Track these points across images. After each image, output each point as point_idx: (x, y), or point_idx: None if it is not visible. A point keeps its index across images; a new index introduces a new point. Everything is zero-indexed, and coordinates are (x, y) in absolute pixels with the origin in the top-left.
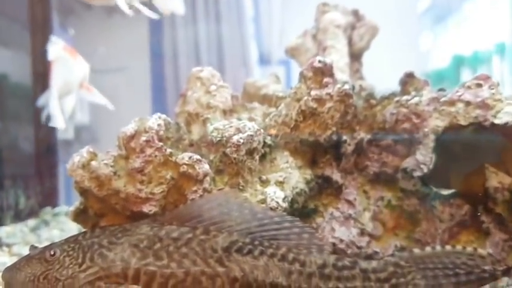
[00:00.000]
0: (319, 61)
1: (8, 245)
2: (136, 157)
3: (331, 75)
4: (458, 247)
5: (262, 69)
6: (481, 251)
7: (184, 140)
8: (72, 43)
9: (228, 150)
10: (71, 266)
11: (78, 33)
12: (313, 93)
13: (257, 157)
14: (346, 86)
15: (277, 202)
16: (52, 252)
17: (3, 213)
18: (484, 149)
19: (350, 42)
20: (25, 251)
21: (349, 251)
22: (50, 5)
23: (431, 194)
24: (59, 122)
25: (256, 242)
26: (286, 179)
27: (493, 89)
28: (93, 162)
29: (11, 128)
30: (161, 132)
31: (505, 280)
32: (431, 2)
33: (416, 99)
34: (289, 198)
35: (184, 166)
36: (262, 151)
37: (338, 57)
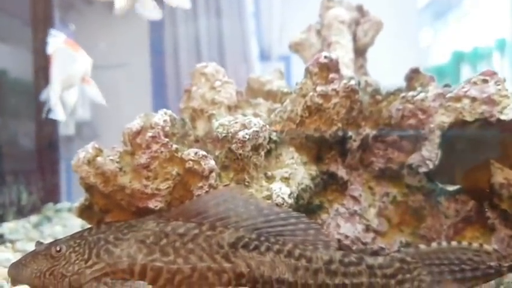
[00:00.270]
0: (325, 57)
1: (11, 241)
2: (142, 153)
3: (337, 70)
4: (464, 243)
5: (262, 65)
6: (486, 246)
7: (189, 135)
8: (72, 38)
9: (233, 146)
10: (77, 262)
11: (79, 29)
12: (319, 88)
13: (262, 153)
14: (352, 82)
15: (283, 198)
16: (58, 248)
17: (6, 209)
18: (489, 144)
19: (354, 38)
20: (28, 247)
21: (354, 247)
22: (51, 1)
23: (437, 190)
24: (59, 114)
25: (263, 238)
26: (291, 175)
27: (499, 84)
28: (99, 158)
29: (12, 123)
30: (167, 128)
31: (510, 276)
32: None
33: (422, 95)
34: (295, 194)
35: (190, 162)
36: (268, 147)
37: (343, 53)
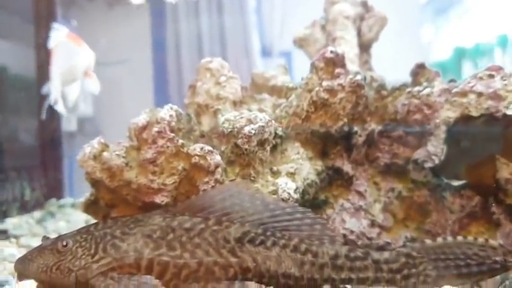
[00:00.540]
0: (331, 51)
1: (16, 237)
2: (148, 148)
3: (343, 65)
4: (470, 238)
5: (263, 60)
6: (492, 242)
7: (195, 131)
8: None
9: (239, 141)
10: (84, 256)
11: (80, 25)
12: (324, 83)
13: (268, 148)
14: (358, 77)
15: (289, 193)
16: (64, 243)
17: (9, 205)
18: (495, 140)
19: (359, 33)
20: (33, 242)
21: (359, 242)
22: None
23: (442, 185)
24: (59, 107)
25: (269, 233)
26: (297, 170)
27: (505, 80)
28: (105, 153)
29: (15, 120)
30: (173, 123)
31: None
32: None
33: (427, 90)
34: (301, 190)
35: (196, 157)
36: (273, 142)
37: (348, 48)
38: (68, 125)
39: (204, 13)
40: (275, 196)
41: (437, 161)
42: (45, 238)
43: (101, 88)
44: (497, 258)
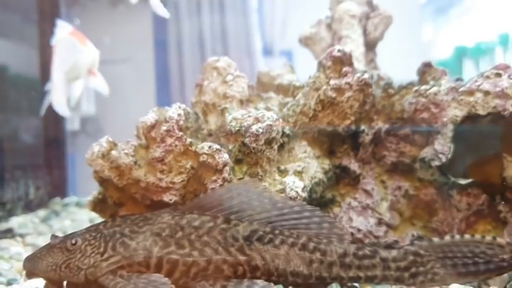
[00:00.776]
0: (339, 50)
1: (21, 235)
2: (157, 147)
3: (350, 64)
4: (477, 236)
5: (264, 60)
6: (500, 240)
7: (202, 129)
8: None
9: (247, 140)
10: (93, 255)
11: (83, 24)
12: (332, 82)
13: (276, 147)
14: (366, 75)
15: (297, 192)
16: (73, 241)
17: (14, 203)
18: (501, 138)
19: (364, 32)
20: (38, 241)
21: (366, 241)
22: None
23: (449, 183)
24: (60, 108)
25: (277, 231)
26: (304, 168)
27: None
28: (114, 152)
29: (18, 119)
30: (181, 122)
31: None
32: None
33: (435, 88)
34: (308, 188)
35: (204, 156)
36: (281, 141)
37: (354, 47)
38: (71, 124)
39: (206, 12)
40: (283, 195)
41: (444, 160)
42: (53, 236)
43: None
44: (505, 256)
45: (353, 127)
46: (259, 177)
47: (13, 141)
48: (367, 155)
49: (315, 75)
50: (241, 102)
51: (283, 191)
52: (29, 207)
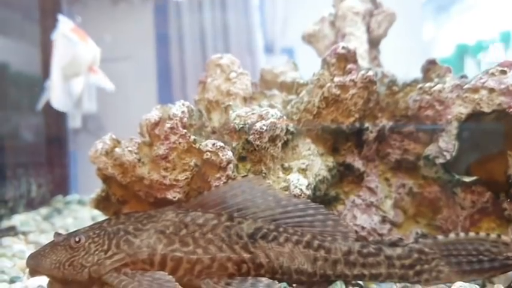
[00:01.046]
0: (343, 47)
1: (24, 233)
2: (161, 144)
3: (355, 61)
4: (482, 234)
5: (265, 57)
6: (504, 238)
7: (206, 127)
8: None
9: (251, 137)
10: (97, 252)
11: (85, 22)
12: (336, 79)
13: (279, 144)
14: (370, 73)
15: (301, 189)
16: (77, 239)
17: (16, 201)
18: (506, 135)
19: (368, 30)
20: (41, 239)
21: (370, 239)
22: None
23: (453, 181)
24: (57, 103)
25: (281, 229)
26: (308, 166)
27: None
28: (117, 149)
29: (20, 117)
30: (185, 119)
31: None
32: None
33: (439, 86)
34: (312, 186)
35: (208, 153)
36: (285, 138)
37: (358, 44)
38: (73, 121)
39: (208, 10)
40: (287, 192)
41: (448, 157)
42: (57, 234)
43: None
44: (510, 254)
45: (357, 124)
46: (263, 174)
47: (15, 139)
48: (371, 153)
49: (319, 73)
50: (244, 99)
51: (287, 188)
52: (31, 205)
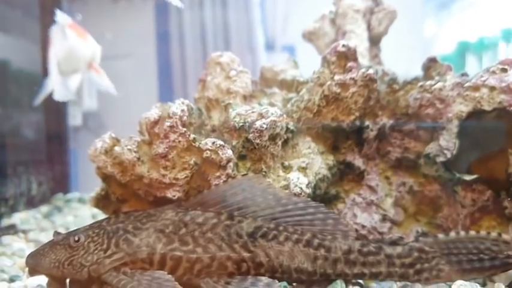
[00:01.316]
0: (343, 45)
1: (24, 232)
2: (160, 142)
3: (355, 59)
4: (482, 232)
5: (266, 55)
6: (505, 236)
7: (206, 125)
8: None
9: (250, 136)
10: (96, 251)
11: (85, 19)
12: (336, 77)
13: (279, 143)
14: (371, 71)
15: (301, 188)
16: (76, 238)
17: (17, 199)
18: (507, 134)
19: (369, 27)
20: (41, 237)
21: (370, 237)
22: None
23: (454, 179)
24: (57, 93)
25: (281, 228)
26: (308, 164)
27: None
28: (117, 148)
29: (20, 114)
30: (184, 118)
31: None
32: None
33: (440, 84)
34: (312, 184)
35: (208, 152)
36: (285, 137)
37: (358, 42)
38: (73, 119)
39: (209, 7)
40: (287, 191)
41: (449, 155)
42: (56, 233)
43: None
44: (510, 253)
45: (357, 123)
46: (263, 173)
47: (15, 137)
48: (371, 151)
49: (319, 71)
50: (244, 97)
51: (287, 187)
52: (32, 203)
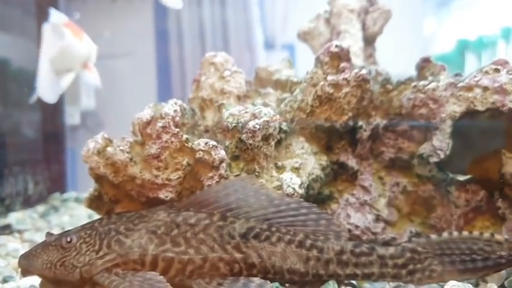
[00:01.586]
0: (336, 46)
1: (19, 231)
2: (153, 143)
3: (348, 60)
4: (475, 233)
5: (266, 53)
6: (498, 236)
7: (199, 126)
8: None
9: (243, 136)
10: (88, 252)
11: (83, 18)
12: (329, 78)
13: (273, 143)
14: (363, 71)
15: (294, 188)
16: (69, 239)
17: (13, 199)
18: (500, 134)
19: (363, 27)
20: (36, 237)
21: (364, 237)
22: None
23: (447, 179)
24: (43, 93)
25: (274, 228)
26: (302, 165)
27: (511, 74)
28: (109, 149)
29: (18, 113)
30: (177, 118)
31: None
32: None
33: (433, 84)
34: (305, 185)
35: (201, 152)
36: (278, 137)
37: (352, 42)
38: (71, 118)
39: (207, 6)
40: (280, 191)
41: (442, 156)
42: (49, 234)
43: (104, 81)
44: (503, 253)
45: (351, 123)
46: (256, 173)
47: (12, 136)
48: (365, 151)
49: (312, 71)
50: (238, 98)
51: (280, 187)
52: (28, 202)
